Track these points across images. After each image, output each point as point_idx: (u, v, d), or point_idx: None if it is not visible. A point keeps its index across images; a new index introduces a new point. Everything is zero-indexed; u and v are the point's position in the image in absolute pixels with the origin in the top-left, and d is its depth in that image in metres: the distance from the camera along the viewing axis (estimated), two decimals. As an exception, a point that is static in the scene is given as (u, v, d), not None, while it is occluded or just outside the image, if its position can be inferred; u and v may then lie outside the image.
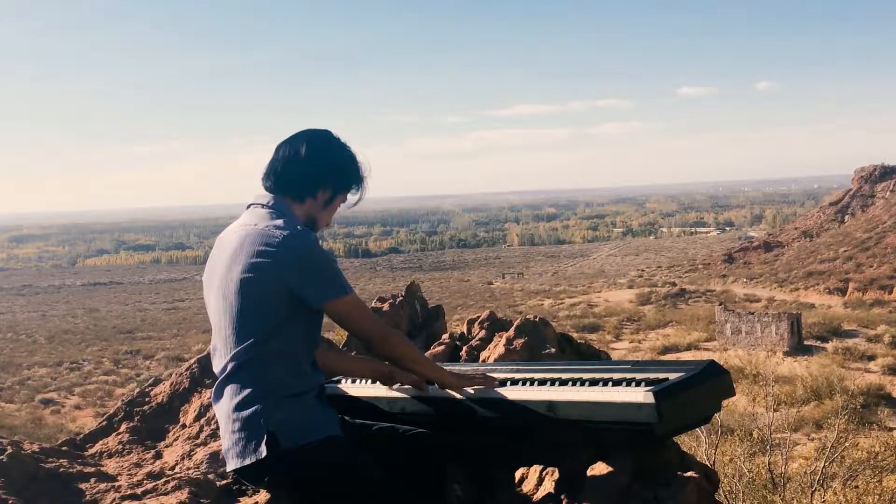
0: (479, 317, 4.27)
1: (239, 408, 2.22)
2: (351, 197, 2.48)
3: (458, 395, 2.48)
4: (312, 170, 2.37)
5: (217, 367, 2.33)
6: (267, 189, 2.41)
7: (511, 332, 3.68)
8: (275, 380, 2.23)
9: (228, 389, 2.26)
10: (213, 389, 2.34)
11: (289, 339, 2.25)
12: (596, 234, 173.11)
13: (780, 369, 30.97)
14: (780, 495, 11.23)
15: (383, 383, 2.61)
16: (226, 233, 2.38)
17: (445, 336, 4.31)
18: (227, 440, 2.26)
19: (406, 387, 2.59)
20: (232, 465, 2.27)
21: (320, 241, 2.33)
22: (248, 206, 2.38)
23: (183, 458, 3.16)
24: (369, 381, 2.70)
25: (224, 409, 2.27)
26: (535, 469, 2.68)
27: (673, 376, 2.19)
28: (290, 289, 2.21)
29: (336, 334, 6.42)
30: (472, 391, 2.45)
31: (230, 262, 2.27)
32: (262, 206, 2.34)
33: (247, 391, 2.22)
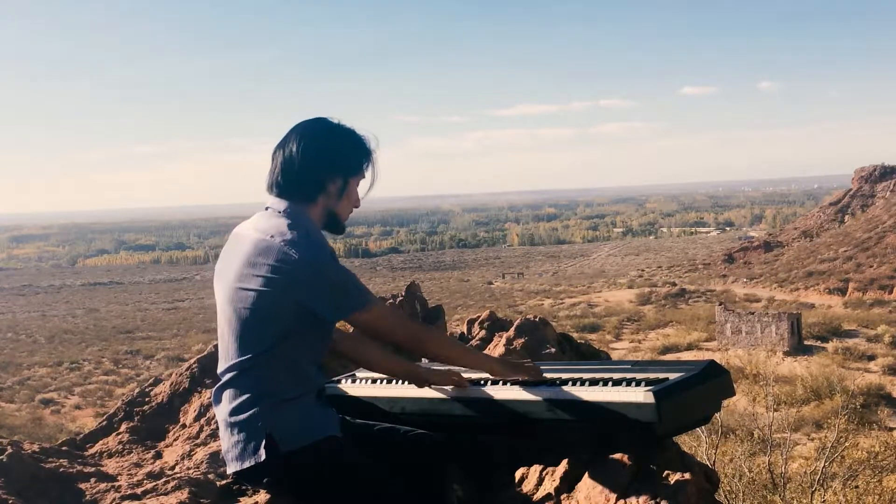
0: (479, 317, 4.28)
1: (237, 411, 2.22)
2: (367, 174, 2.36)
3: (458, 395, 2.48)
4: (313, 166, 2.26)
5: (219, 370, 2.32)
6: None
7: (511, 332, 3.68)
8: (274, 384, 2.21)
9: (227, 394, 2.26)
10: (213, 393, 2.34)
11: (293, 347, 2.22)
12: (596, 234, 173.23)
13: (780, 369, 31.00)
14: (780, 495, 11.21)
15: (418, 386, 2.54)
16: (242, 230, 2.31)
17: (445, 336, 4.31)
18: (227, 443, 2.26)
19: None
20: (231, 468, 2.27)
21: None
22: (266, 209, 2.30)
23: (183, 458, 3.15)
24: (384, 381, 2.66)
25: (223, 413, 2.26)
26: (535, 469, 2.67)
27: (673, 376, 2.19)
28: (302, 305, 2.17)
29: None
30: (485, 391, 2.44)
31: (241, 269, 2.21)
32: (279, 213, 2.26)
33: (245, 395, 2.21)
